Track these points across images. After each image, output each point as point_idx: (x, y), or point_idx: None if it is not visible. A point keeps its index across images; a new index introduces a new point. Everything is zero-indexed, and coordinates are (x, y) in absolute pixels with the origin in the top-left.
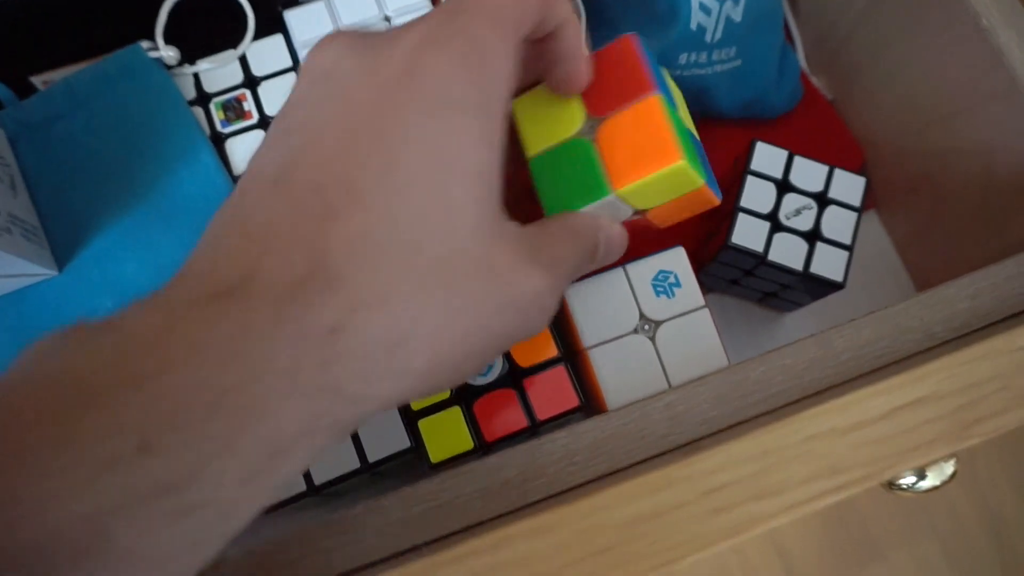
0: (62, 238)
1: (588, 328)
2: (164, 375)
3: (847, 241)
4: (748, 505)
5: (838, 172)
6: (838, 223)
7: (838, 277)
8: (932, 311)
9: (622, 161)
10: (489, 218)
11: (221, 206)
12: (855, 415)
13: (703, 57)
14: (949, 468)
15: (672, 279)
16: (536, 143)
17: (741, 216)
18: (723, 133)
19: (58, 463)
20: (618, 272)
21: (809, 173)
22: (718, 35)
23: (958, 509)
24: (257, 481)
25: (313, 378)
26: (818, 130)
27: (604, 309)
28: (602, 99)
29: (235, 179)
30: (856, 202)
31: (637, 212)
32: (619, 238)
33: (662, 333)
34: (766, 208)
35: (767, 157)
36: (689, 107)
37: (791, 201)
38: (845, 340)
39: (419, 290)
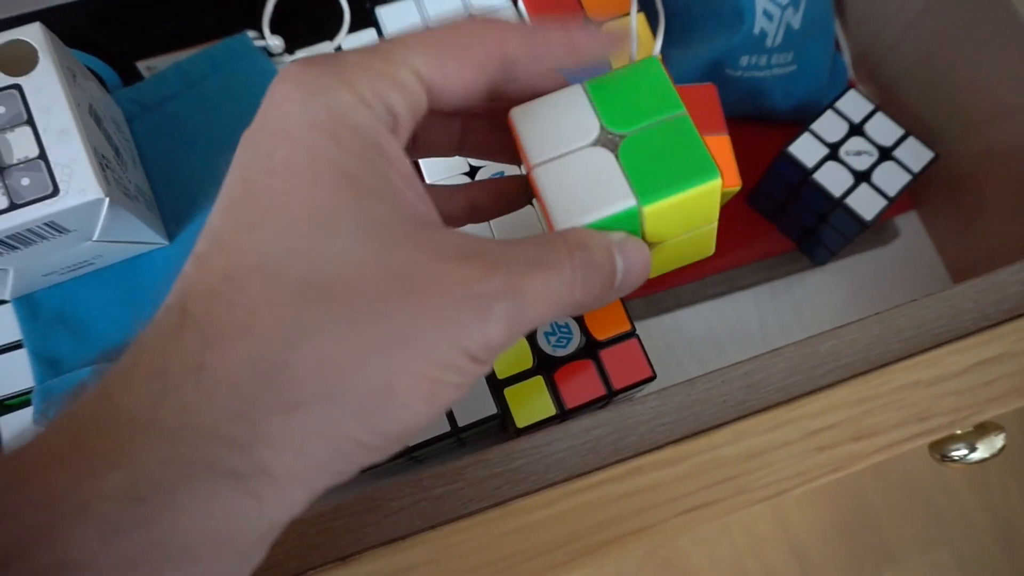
0: (172, 211)
1: (535, 146)
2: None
3: (891, 193)
4: (848, 445)
5: (911, 139)
6: (890, 177)
7: (868, 216)
8: (985, 294)
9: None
10: (385, 222)
11: None
12: (938, 369)
13: (763, 60)
14: (999, 441)
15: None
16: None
17: (806, 134)
18: (772, 132)
19: None
20: (576, 88)
21: (885, 129)
22: (778, 40)
23: (970, 517)
24: (127, 535)
25: (176, 416)
26: None
27: (558, 127)
28: None
29: None
30: (916, 168)
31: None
32: (642, 260)
33: (628, 144)
34: (831, 138)
35: (854, 102)
36: (744, 107)
37: (856, 143)
38: (906, 319)
39: (287, 310)
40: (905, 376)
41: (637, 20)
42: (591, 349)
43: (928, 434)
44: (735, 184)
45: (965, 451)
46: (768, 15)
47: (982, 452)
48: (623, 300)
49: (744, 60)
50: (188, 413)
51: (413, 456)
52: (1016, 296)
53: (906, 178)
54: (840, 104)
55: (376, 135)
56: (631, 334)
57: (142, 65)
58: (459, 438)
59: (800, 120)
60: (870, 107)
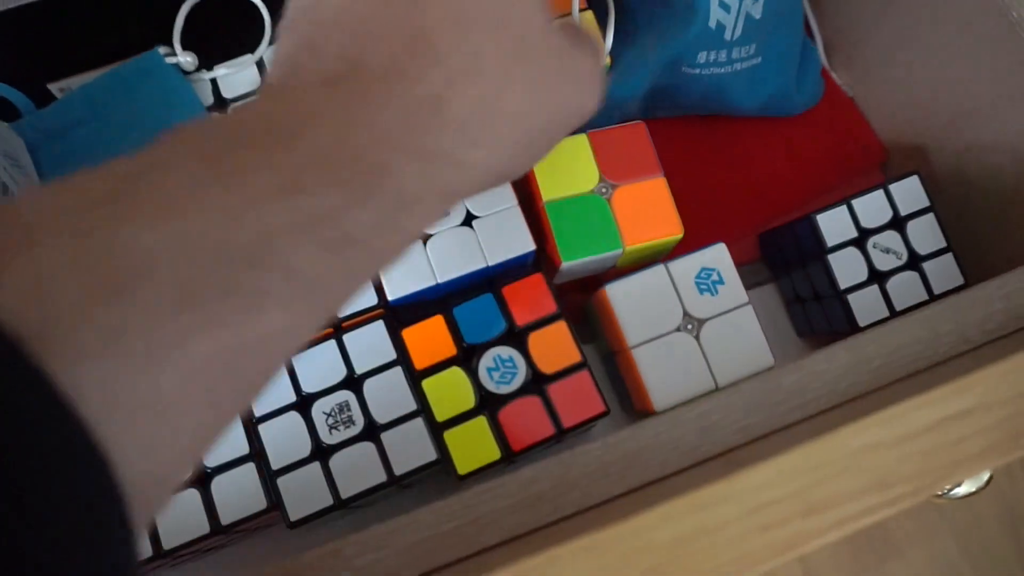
0: None
1: (632, 327)
2: (303, 135)
3: (898, 307)
4: (797, 522)
5: (949, 256)
6: (905, 289)
7: (863, 322)
8: (966, 313)
9: (634, 224)
10: (547, 10)
11: (293, 14)
12: (902, 427)
13: (722, 56)
14: (985, 475)
15: (715, 276)
16: (551, 189)
17: (842, 207)
18: (743, 129)
19: (216, 189)
20: (660, 270)
21: (928, 233)
22: (737, 32)
23: (975, 507)
24: (388, 231)
25: (425, 142)
26: (839, 127)
27: (647, 308)
28: (617, 168)
29: None
30: (937, 290)
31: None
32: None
33: (706, 331)
34: (867, 223)
35: (910, 192)
36: (708, 107)
37: (889, 238)
38: (877, 345)
39: (505, 63)
40: (864, 436)
41: (585, 18)
42: (538, 384)
43: (891, 504)
44: (675, 232)
45: (949, 486)
46: (724, 6)
47: (968, 487)
48: (572, 326)
49: (702, 57)
50: (431, 139)
51: (351, 504)
52: (1000, 314)
53: (922, 296)
54: (895, 187)
55: None
56: (582, 365)
57: (55, 87)
58: (401, 484)
59: (772, 115)
60: (925, 203)
